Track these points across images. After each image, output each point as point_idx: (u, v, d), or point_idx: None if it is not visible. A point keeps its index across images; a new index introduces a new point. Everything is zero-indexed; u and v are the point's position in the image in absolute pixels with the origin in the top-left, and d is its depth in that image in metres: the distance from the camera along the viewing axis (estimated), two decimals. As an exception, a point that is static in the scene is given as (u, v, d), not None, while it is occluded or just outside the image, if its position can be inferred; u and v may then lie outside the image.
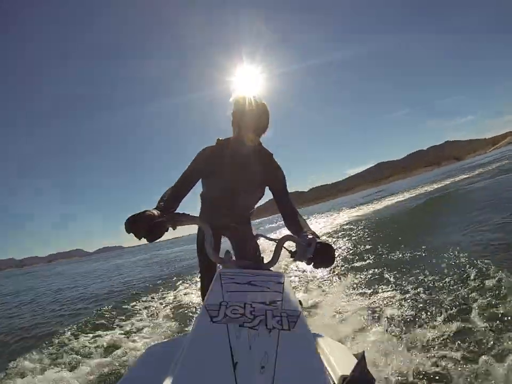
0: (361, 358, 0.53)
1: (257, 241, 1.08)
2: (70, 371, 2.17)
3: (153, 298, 4.33)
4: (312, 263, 1.01)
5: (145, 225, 0.94)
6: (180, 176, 1.47)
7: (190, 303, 3.57)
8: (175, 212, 1.04)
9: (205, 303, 0.61)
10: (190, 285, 4.79)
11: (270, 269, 1.06)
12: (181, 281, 5.13)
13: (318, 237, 1.07)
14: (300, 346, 0.48)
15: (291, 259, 1.06)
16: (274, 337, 0.49)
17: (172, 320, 3.11)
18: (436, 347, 1.76)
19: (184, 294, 4.19)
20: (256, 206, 1.92)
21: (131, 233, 0.95)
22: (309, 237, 1.02)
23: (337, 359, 0.64)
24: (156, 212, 1.00)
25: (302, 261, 1.02)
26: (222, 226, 1.65)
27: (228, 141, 1.53)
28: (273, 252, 1.10)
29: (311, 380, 0.42)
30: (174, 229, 1.02)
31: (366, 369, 0.50)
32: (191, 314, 3.16)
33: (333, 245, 1.04)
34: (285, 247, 1.10)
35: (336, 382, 0.56)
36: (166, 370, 0.49)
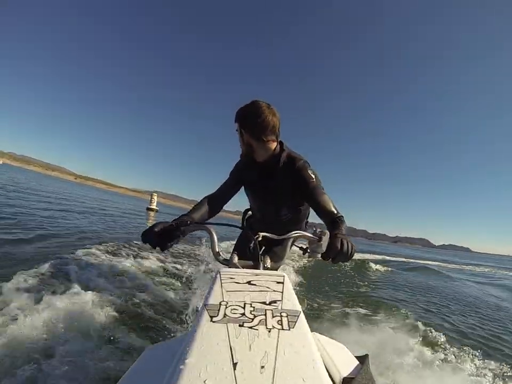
0: (364, 361, 0.53)
1: (260, 239, 1.06)
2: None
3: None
4: (330, 259, 0.96)
5: (155, 237, 1.04)
6: (219, 187, 1.49)
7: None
8: (182, 221, 1.10)
9: (204, 302, 0.61)
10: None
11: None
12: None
13: (338, 232, 1.02)
14: (299, 346, 0.48)
15: (304, 256, 1.02)
16: (274, 337, 0.49)
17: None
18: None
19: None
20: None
21: (147, 243, 1.07)
22: (319, 230, 0.97)
23: (337, 359, 0.64)
24: (166, 223, 1.08)
25: (315, 257, 0.98)
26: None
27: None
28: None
29: (311, 380, 0.41)
30: (183, 236, 1.11)
31: (369, 374, 0.50)
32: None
33: (348, 237, 0.98)
34: (295, 245, 1.07)
35: (336, 382, 0.56)
36: (166, 370, 0.48)
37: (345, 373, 0.58)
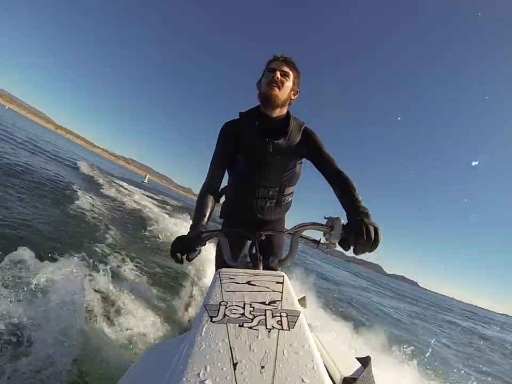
0: (367, 363, 0.53)
1: (264, 238, 0.97)
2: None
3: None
4: (353, 248, 0.79)
5: (179, 252, 0.97)
6: (209, 167, 1.26)
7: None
8: (197, 232, 1.02)
9: (204, 303, 0.61)
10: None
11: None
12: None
13: (362, 214, 0.83)
14: (299, 346, 0.48)
15: (317, 249, 0.91)
16: (274, 337, 0.49)
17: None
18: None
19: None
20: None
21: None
22: (330, 217, 0.84)
23: (337, 359, 0.64)
24: (183, 236, 0.99)
25: (331, 248, 0.86)
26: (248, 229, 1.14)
27: (252, 111, 1.26)
28: (289, 247, 0.98)
29: (311, 380, 0.41)
30: (203, 245, 1.04)
31: (371, 376, 0.50)
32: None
33: (372, 220, 0.80)
34: (304, 236, 0.96)
35: (336, 382, 0.56)
36: (166, 371, 0.48)
37: (346, 373, 0.58)
